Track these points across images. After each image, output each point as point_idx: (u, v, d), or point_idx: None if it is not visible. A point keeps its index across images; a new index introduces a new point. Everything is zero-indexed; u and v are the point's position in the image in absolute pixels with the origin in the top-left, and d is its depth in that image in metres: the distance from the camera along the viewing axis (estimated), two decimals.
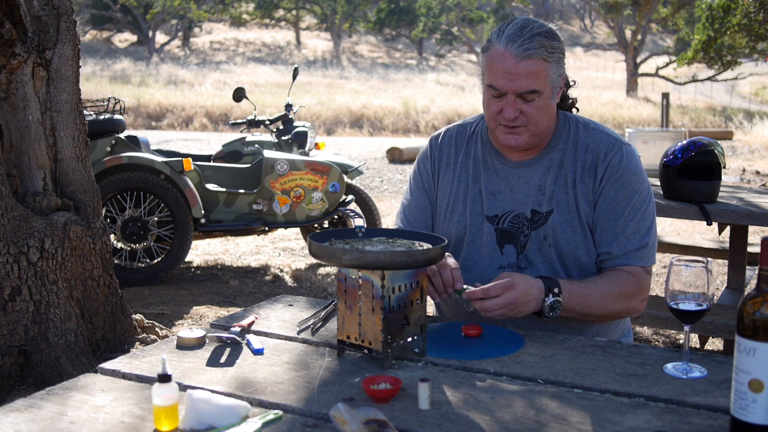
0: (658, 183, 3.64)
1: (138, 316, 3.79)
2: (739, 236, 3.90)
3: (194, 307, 4.62)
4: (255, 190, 5.50)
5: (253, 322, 1.75)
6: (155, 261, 5.29)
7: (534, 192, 1.91)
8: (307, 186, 5.53)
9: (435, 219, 2.04)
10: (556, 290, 1.72)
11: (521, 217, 1.91)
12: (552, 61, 1.79)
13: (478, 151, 2.00)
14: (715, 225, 3.64)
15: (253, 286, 5.31)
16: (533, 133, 1.85)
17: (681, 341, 4.08)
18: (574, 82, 2.06)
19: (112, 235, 4.95)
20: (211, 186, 5.51)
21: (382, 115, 21.29)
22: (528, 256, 1.90)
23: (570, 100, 2.06)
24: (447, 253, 1.83)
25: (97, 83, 23.20)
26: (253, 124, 6.34)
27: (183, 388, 1.36)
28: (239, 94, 6.11)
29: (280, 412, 1.27)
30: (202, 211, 5.29)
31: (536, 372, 1.46)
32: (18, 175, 3.34)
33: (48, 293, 3.18)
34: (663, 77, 29.05)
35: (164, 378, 1.21)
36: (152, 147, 5.78)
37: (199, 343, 1.61)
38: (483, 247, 1.93)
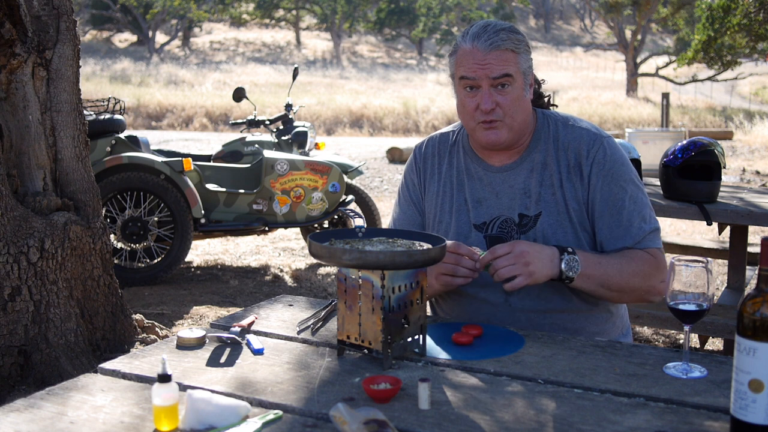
0: (658, 183, 3.64)
1: (138, 316, 3.79)
2: (739, 236, 3.90)
3: (194, 307, 4.62)
4: (255, 190, 5.50)
5: (253, 322, 1.75)
6: (155, 261, 5.29)
7: (519, 195, 1.91)
8: (307, 186, 5.53)
9: (426, 230, 2.04)
10: (569, 249, 1.74)
11: (509, 221, 1.91)
12: (520, 51, 1.84)
13: (461, 160, 2.00)
14: (715, 225, 3.64)
15: (253, 286, 5.31)
16: (510, 127, 1.86)
17: (681, 341, 4.08)
18: (543, 80, 2.10)
19: (112, 235, 4.96)
20: (211, 186, 5.51)
21: (382, 115, 21.30)
22: None
23: (546, 97, 2.09)
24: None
25: (97, 83, 23.21)
26: (253, 124, 6.34)
27: (183, 388, 1.36)
28: (239, 94, 6.11)
29: (280, 412, 1.27)
30: (202, 211, 5.29)
31: (536, 372, 1.46)
32: (18, 175, 3.34)
33: (48, 293, 3.19)
34: (663, 77, 29.06)
35: (164, 378, 1.21)
36: (152, 147, 5.78)
37: (199, 343, 1.61)
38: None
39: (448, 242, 1.77)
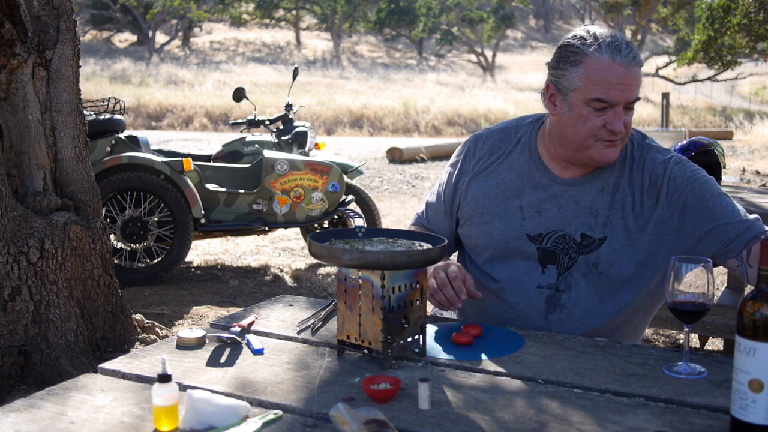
0: None
1: (138, 316, 3.79)
2: None
3: (194, 307, 4.62)
4: (255, 190, 5.50)
5: (253, 322, 1.75)
6: (155, 261, 5.29)
7: (584, 213, 1.82)
8: (307, 186, 5.53)
9: (462, 225, 1.97)
10: None
11: (568, 238, 1.82)
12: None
13: (523, 164, 1.90)
14: None
15: (253, 286, 5.31)
16: (624, 144, 1.79)
17: (681, 341, 4.08)
18: None
19: (112, 235, 4.96)
20: (211, 186, 5.51)
21: (382, 115, 21.30)
22: (568, 280, 1.81)
23: None
24: (454, 263, 1.80)
25: (97, 83, 23.20)
26: (253, 124, 6.34)
27: (183, 388, 1.36)
28: (239, 94, 6.11)
29: (280, 412, 1.27)
30: (202, 211, 5.29)
31: (536, 372, 1.46)
32: (18, 175, 3.34)
33: (48, 293, 3.18)
34: (663, 77, 29.06)
35: (164, 378, 1.21)
36: (152, 147, 5.78)
37: (199, 343, 1.61)
38: (522, 263, 1.86)
39: (456, 266, 1.75)
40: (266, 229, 5.74)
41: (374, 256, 1.43)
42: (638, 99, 1.75)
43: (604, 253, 1.79)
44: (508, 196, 1.89)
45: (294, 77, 6.52)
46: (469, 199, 1.95)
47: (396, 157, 13.66)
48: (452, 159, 2.05)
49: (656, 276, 1.82)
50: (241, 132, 6.58)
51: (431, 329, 1.71)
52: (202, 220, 5.36)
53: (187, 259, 5.89)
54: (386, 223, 7.54)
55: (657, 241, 1.79)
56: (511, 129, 1.97)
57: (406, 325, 1.50)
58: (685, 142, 3.54)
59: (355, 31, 45.80)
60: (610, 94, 1.71)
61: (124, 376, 1.45)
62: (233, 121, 6.64)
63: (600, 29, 1.76)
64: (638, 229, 1.79)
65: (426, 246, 1.56)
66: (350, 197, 5.87)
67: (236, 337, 1.62)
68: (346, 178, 5.78)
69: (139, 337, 3.61)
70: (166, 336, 3.80)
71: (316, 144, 6.48)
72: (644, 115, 22.39)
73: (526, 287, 1.85)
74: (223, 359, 1.53)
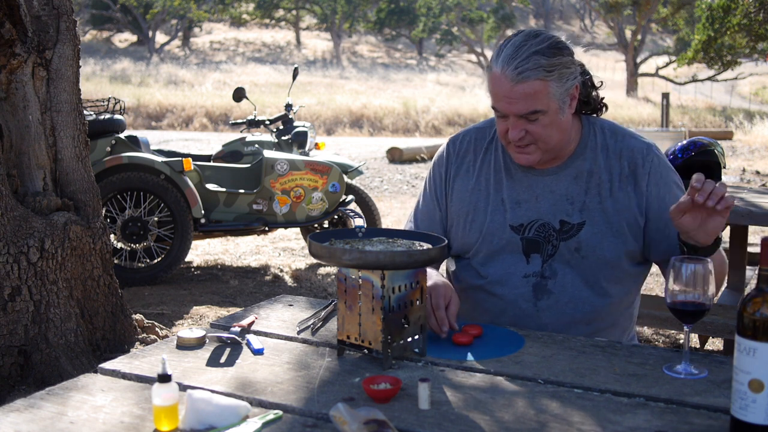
0: None
1: (138, 316, 3.79)
2: (739, 236, 3.90)
3: (194, 307, 4.62)
4: (255, 190, 5.50)
5: (253, 322, 1.75)
6: (155, 261, 5.30)
7: (561, 201, 1.85)
8: (307, 186, 5.53)
9: (450, 228, 1.99)
10: None
11: (548, 226, 1.85)
12: (552, 79, 1.71)
13: (499, 158, 1.93)
14: None
15: (253, 286, 5.31)
16: (544, 149, 1.80)
17: (681, 341, 4.08)
18: (602, 82, 1.95)
19: (112, 235, 4.95)
20: (211, 186, 5.51)
21: (382, 115, 21.29)
22: (553, 267, 1.85)
23: (598, 102, 1.94)
24: (442, 284, 1.75)
25: (97, 83, 23.19)
26: (253, 124, 6.34)
27: (183, 388, 1.36)
28: (239, 94, 6.11)
29: (280, 412, 1.27)
30: (202, 211, 5.29)
31: (536, 372, 1.46)
32: (18, 175, 3.34)
33: (48, 293, 3.19)
34: (663, 77, 29.08)
35: (164, 378, 1.21)
36: (152, 147, 5.78)
37: (199, 343, 1.61)
38: (508, 256, 1.88)
39: (441, 292, 1.69)
40: (266, 229, 5.74)
41: (374, 256, 1.43)
42: (537, 112, 1.72)
43: (584, 237, 1.83)
44: (490, 192, 1.93)
45: (294, 77, 6.52)
46: (455, 199, 1.98)
47: (396, 157, 13.66)
48: (434, 166, 2.04)
49: (637, 256, 1.86)
50: (241, 132, 6.58)
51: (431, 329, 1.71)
52: (202, 220, 5.36)
53: (187, 259, 5.89)
54: (386, 223, 7.54)
55: (636, 224, 1.84)
56: (484, 128, 2.01)
57: (406, 325, 1.50)
58: (685, 142, 3.54)
59: (355, 31, 45.79)
60: (499, 105, 1.76)
61: (124, 376, 1.45)
62: (233, 121, 6.64)
63: (520, 36, 1.74)
64: (616, 212, 1.83)
65: (426, 246, 1.56)
66: (350, 197, 5.87)
67: (236, 337, 1.62)
68: (346, 178, 5.78)
69: (139, 337, 3.61)
70: (166, 336, 3.80)
71: (316, 144, 6.48)
72: (644, 115, 22.39)
73: (512, 278, 1.88)
74: (223, 359, 1.53)
